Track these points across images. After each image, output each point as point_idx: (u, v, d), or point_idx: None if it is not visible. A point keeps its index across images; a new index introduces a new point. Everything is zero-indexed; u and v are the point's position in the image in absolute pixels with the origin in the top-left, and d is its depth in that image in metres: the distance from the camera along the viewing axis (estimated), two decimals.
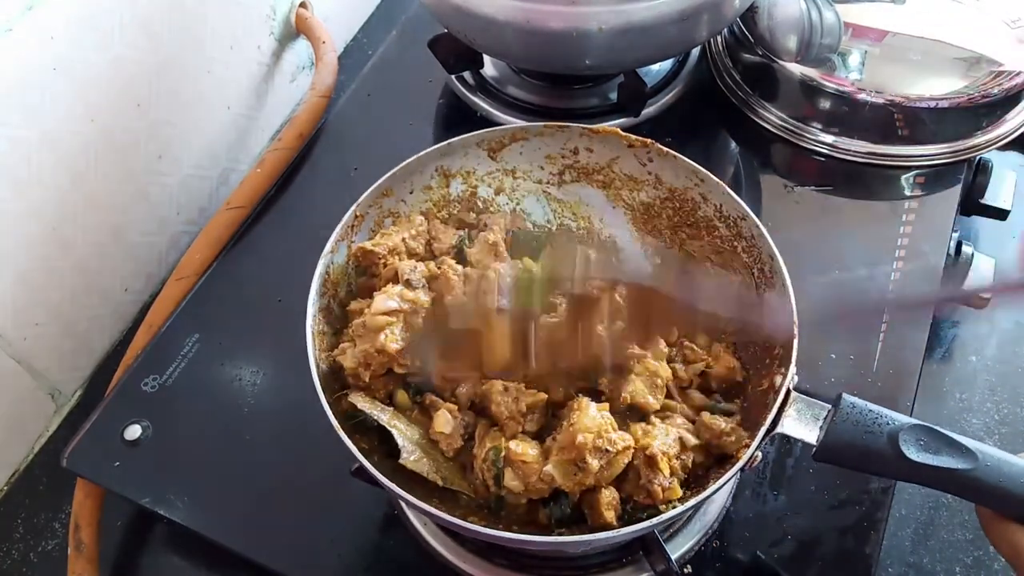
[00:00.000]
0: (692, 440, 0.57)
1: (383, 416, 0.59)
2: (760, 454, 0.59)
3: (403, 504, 0.66)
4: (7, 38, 0.69)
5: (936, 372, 0.83)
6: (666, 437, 0.56)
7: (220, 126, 0.99)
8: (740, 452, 0.56)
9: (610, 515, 0.54)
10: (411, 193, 0.71)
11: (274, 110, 1.09)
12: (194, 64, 0.91)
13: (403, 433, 0.59)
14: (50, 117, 0.75)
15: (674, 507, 0.54)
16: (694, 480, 0.58)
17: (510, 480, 0.55)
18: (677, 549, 0.66)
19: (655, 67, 0.99)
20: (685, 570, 0.66)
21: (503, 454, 0.55)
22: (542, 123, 0.72)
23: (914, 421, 0.54)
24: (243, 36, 0.98)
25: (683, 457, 0.56)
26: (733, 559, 0.67)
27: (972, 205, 0.90)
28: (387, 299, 0.60)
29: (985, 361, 0.84)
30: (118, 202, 0.86)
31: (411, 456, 0.58)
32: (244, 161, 1.05)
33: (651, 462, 0.54)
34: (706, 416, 0.59)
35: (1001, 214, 0.89)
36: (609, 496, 0.55)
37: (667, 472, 0.54)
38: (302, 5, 1.07)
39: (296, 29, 1.08)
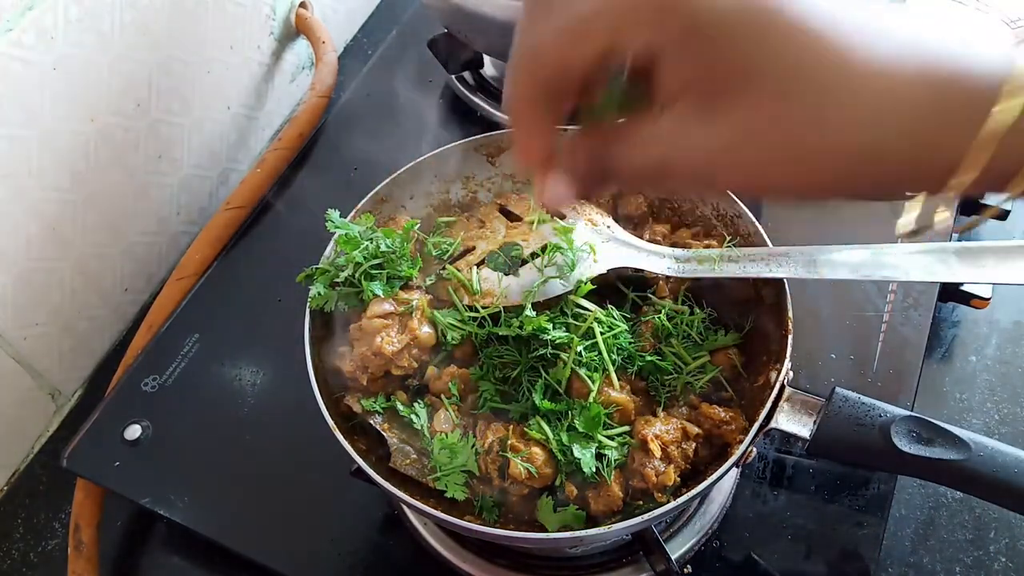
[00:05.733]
0: (694, 429, 0.58)
1: (377, 419, 0.60)
2: (755, 449, 0.59)
3: (403, 504, 0.67)
4: (7, 38, 0.69)
5: (936, 372, 0.83)
6: (667, 426, 0.57)
7: (220, 126, 0.99)
8: (738, 443, 0.56)
9: (617, 488, 0.55)
10: (411, 199, 0.71)
11: (274, 110, 1.09)
12: (194, 64, 0.91)
13: (397, 435, 0.59)
14: (50, 117, 0.75)
15: (668, 500, 0.54)
16: (696, 476, 0.58)
17: (516, 467, 0.55)
18: (677, 549, 0.67)
19: None
20: (685, 570, 0.66)
21: (509, 443, 0.56)
22: None
23: (906, 413, 0.54)
24: (243, 36, 0.98)
25: (684, 446, 0.57)
26: (733, 559, 0.67)
27: (972, 204, 0.90)
28: (382, 302, 0.60)
29: (985, 361, 0.84)
30: (118, 202, 0.86)
31: (406, 459, 0.58)
32: (244, 161, 1.05)
33: (644, 446, 0.55)
34: (705, 406, 0.59)
35: (1001, 214, 0.89)
36: (616, 472, 0.56)
37: (658, 454, 0.55)
38: (302, 5, 1.07)
39: (296, 29, 1.08)
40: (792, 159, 0.33)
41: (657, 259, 0.62)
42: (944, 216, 0.37)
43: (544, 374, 0.58)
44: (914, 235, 0.38)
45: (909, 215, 0.38)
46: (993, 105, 0.31)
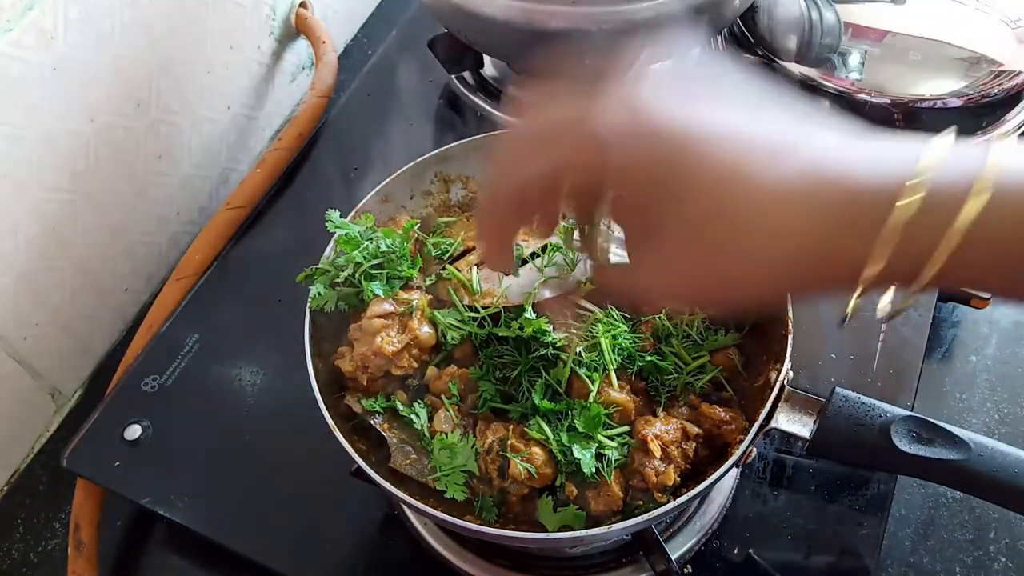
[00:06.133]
0: (694, 429, 0.58)
1: (377, 419, 0.60)
2: (755, 449, 0.59)
3: (403, 504, 0.67)
4: (7, 38, 0.69)
5: (936, 372, 0.83)
6: (667, 426, 0.57)
7: (220, 126, 0.99)
8: (738, 443, 0.56)
9: (617, 488, 0.56)
10: (411, 199, 0.71)
11: (274, 110, 1.09)
12: (194, 64, 0.91)
13: (397, 435, 0.59)
14: (50, 117, 0.75)
15: (668, 500, 0.54)
16: (696, 476, 0.58)
17: (516, 467, 0.55)
18: (677, 549, 0.66)
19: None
20: (685, 570, 0.66)
21: (509, 443, 0.56)
22: None
23: (906, 413, 0.54)
24: (243, 36, 0.98)
25: (684, 446, 0.57)
26: (733, 559, 0.67)
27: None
28: (382, 302, 0.60)
29: (985, 361, 0.84)
30: (118, 202, 0.86)
31: (406, 459, 0.58)
32: (244, 161, 1.05)
33: (644, 446, 0.56)
34: (705, 406, 0.59)
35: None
36: (616, 472, 0.56)
37: (658, 453, 0.55)
38: (302, 5, 1.07)
39: (296, 29, 1.08)
40: (715, 285, 0.38)
41: None
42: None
43: (544, 374, 0.58)
44: (892, 317, 0.42)
45: (884, 299, 0.41)
46: (896, 201, 0.33)
